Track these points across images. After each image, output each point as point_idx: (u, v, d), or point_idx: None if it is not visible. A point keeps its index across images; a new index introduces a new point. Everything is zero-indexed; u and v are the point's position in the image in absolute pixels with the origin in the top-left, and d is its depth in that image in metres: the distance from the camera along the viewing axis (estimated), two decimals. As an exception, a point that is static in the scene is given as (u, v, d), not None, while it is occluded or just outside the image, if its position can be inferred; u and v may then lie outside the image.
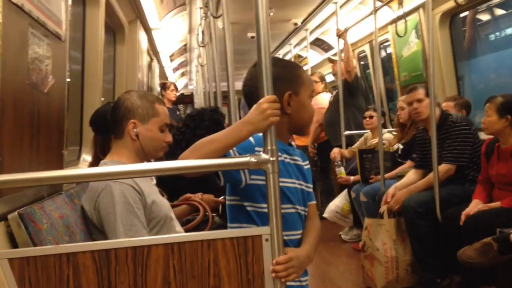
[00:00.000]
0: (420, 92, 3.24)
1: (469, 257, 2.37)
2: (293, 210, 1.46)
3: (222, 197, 2.55)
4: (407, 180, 3.30)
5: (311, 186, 1.56)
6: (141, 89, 4.64)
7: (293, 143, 6.39)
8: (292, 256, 1.27)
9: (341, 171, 4.42)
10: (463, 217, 2.67)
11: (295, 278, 1.30)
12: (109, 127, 1.87)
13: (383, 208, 3.12)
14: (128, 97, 1.79)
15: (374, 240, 3.09)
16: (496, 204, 2.69)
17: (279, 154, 1.39)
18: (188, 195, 2.40)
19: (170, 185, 2.64)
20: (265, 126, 1.24)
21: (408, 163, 3.84)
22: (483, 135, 3.10)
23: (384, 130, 4.43)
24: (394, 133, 4.34)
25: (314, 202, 1.59)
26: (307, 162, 1.61)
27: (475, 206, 2.71)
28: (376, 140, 4.14)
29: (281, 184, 1.34)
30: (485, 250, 2.30)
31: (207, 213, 2.36)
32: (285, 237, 1.37)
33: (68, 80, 2.27)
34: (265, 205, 1.28)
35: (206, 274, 1.23)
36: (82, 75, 2.95)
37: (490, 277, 2.62)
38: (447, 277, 2.97)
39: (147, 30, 4.84)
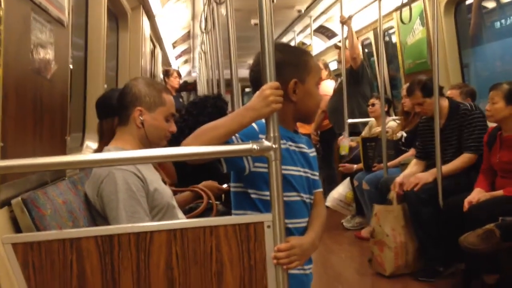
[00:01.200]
0: (418, 96, 3.20)
1: (471, 243, 2.37)
2: (298, 198, 1.46)
3: (226, 184, 2.56)
4: (410, 171, 3.29)
5: (317, 173, 1.55)
6: (144, 76, 4.63)
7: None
8: (294, 244, 1.27)
9: (345, 145, 4.41)
10: (466, 204, 2.66)
11: (298, 266, 1.30)
12: (114, 111, 1.87)
13: (392, 194, 3.12)
14: (136, 84, 1.79)
15: (383, 226, 3.11)
16: (499, 192, 2.68)
17: (284, 141, 1.40)
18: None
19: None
20: (267, 113, 1.23)
21: (412, 151, 3.84)
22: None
23: (389, 118, 4.42)
24: (397, 121, 4.32)
25: (321, 189, 1.57)
26: (313, 149, 1.59)
27: (478, 194, 2.71)
28: (379, 128, 4.13)
29: (285, 171, 1.34)
30: (487, 236, 2.31)
31: (210, 201, 2.37)
32: (290, 225, 1.38)
33: (71, 66, 2.27)
34: (268, 193, 1.28)
35: (208, 260, 1.24)
36: (85, 62, 2.95)
37: (493, 265, 2.62)
38: (451, 266, 2.98)
39: (150, 16, 4.81)
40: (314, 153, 1.59)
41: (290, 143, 1.46)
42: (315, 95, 1.47)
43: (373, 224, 3.21)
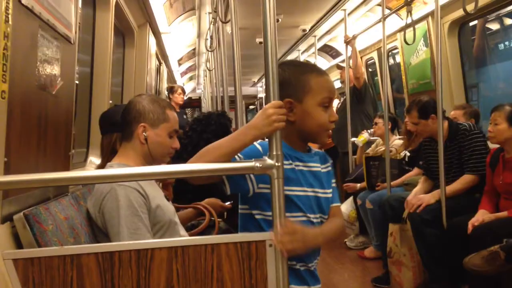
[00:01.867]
0: (414, 115, 3.21)
1: (475, 265, 2.35)
2: (304, 218, 1.41)
3: (229, 202, 2.56)
4: (419, 188, 3.27)
5: (329, 191, 1.48)
6: (149, 92, 4.66)
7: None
8: (297, 228, 1.26)
9: (364, 137, 4.43)
10: (470, 226, 2.65)
11: (295, 251, 1.26)
12: (118, 127, 1.88)
13: (406, 213, 3.10)
14: (140, 101, 1.80)
15: (400, 246, 3.09)
16: (503, 214, 2.66)
17: (290, 161, 1.39)
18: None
19: (177, 188, 2.65)
20: (269, 131, 1.23)
21: (415, 170, 3.83)
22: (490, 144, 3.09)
23: (395, 137, 4.42)
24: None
25: (337, 204, 1.51)
26: (328, 164, 1.52)
27: (482, 216, 2.69)
28: (383, 148, 4.13)
29: (289, 192, 1.34)
30: (492, 258, 2.29)
31: (212, 218, 2.36)
32: None
33: (77, 82, 2.29)
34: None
35: (209, 279, 1.23)
36: (91, 78, 2.97)
37: (496, 287, 2.59)
38: (455, 287, 2.95)
39: (156, 34, 4.87)
40: (329, 168, 1.52)
41: (297, 163, 1.42)
42: (315, 115, 1.39)
43: (389, 243, 3.18)
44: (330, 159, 1.52)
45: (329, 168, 1.51)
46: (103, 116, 2.31)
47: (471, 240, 2.60)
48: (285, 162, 1.30)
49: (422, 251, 3.01)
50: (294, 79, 1.41)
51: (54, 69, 1.74)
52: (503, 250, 2.27)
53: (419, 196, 3.08)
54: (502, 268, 2.29)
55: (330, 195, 1.48)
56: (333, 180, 1.50)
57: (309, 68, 1.46)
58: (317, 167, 1.46)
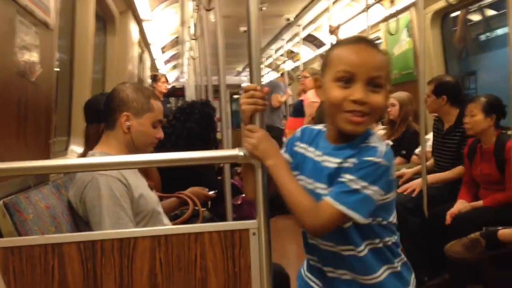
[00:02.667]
0: (429, 89, 3.22)
1: (456, 252, 2.39)
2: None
3: (213, 191, 2.55)
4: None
5: (327, 187, 1.17)
6: (131, 80, 4.61)
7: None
8: (258, 129, 1.19)
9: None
10: (448, 217, 2.70)
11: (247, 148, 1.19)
12: (101, 116, 1.85)
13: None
14: (124, 89, 1.77)
15: None
16: (479, 203, 2.72)
17: (304, 145, 1.26)
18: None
19: (160, 177, 2.63)
20: (243, 118, 1.21)
21: (398, 159, 3.87)
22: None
23: (379, 127, 4.45)
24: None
25: (329, 200, 1.11)
26: (341, 160, 1.16)
27: (460, 205, 2.75)
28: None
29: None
30: (473, 245, 2.33)
31: (196, 207, 2.35)
32: None
33: (57, 69, 2.25)
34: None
35: (192, 267, 1.23)
36: (71, 65, 2.92)
37: (476, 275, 2.65)
38: (435, 276, 3.00)
39: (138, 21, 4.80)
40: (345, 165, 1.15)
41: (312, 149, 1.24)
42: (328, 93, 1.17)
43: None
44: (368, 152, 1.12)
45: (346, 164, 1.15)
46: (88, 104, 2.28)
47: (450, 228, 2.65)
48: (301, 145, 1.27)
49: (404, 239, 3.05)
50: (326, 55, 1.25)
51: (33, 56, 1.70)
52: (483, 238, 2.31)
53: (413, 182, 3.10)
54: (482, 255, 2.33)
55: (325, 191, 1.16)
56: (349, 177, 1.10)
57: (345, 41, 1.26)
58: (328, 161, 1.18)
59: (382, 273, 1.19)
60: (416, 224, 2.99)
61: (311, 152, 1.24)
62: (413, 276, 1.26)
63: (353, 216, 1.08)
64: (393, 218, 1.20)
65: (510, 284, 2.21)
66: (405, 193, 3.03)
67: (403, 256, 1.24)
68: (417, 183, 3.07)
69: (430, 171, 3.25)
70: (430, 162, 3.37)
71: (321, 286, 1.27)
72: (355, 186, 1.09)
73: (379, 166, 1.09)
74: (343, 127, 1.15)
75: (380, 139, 1.17)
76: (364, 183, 1.08)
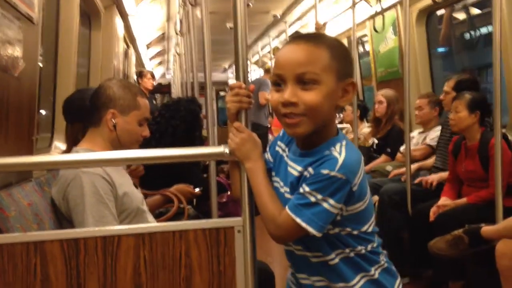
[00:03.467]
0: (450, 85, 3.25)
1: (440, 249, 2.41)
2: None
3: (198, 189, 2.54)
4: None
5: (289, 192, 1.15)
6: (117, 76, 4.56)
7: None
8: (245, 130, 1.16)
9: None
10: (431, 214, 2.74)
11: (230, 146, 1.18)
12: (84, 114, 1.83)
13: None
14: (111, 86, 1.74)
15: None
16: (463, 200, 2.75)
17: (283, 146, 1.24)
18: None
19: (145, 174, 2.61)
20: (228, 116, 1.20)
21: (383, 157, 3.90)
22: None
23: (365, 124, 4.47)
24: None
25: (287, 211, 1.09)
26: (302, 168, 1.13)
27: (442, 202, 2.78)
28: (351, 136, 4.18)
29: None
30: (456, 242, 2.36)
31: (181, 205, 2.34)
32: None
33: (41, 65, 2.21)
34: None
35: (177, 265, 1.22)
36: (55, 60, 2.88)
37: (459, 272, 2.68)
38: (416, 273, 3.02)
39: (124, 16, 4.75)
40: (302, 173, 1.12)
41: (288, 153, 1.22)
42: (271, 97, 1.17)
43: None
44: (324, 164, 1.08)
45: (298, 173, 1.13)
46: (67, 103, 2.23)
47: (434, 225, 2.67)
48: (281, 145, 1.25)
49: (386, 232, 3.07)
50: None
51: (16, 51, 1.68)
52: (466, 235, 2.34)
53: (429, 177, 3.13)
54: (465, 252, 2.36)
55: (290, 197, 1.14)
56: (306, 188, 1.07)
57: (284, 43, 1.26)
58: (295, 167, 1.16)
59: (358, 281, 1.16)
60: (399, 218, 3.03)
61: (285, 154, 1.22)
62: (397, 281, 1.21)
63: (308, 229, 1.06)
64: (368, 227, 1.15)
65: (492, 281, 2.23)
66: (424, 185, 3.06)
67: (382, 262, 1.19)
68: (433, 177, 3.10)
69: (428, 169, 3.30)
70: (431, 160, 3.39)
71: None
72: (311, 199, 1.06)
73: (335, 180, 1.05)
74: (286, 132, 1.15)
75: (349, 145, 1.11)
76: (319, 196, 1.06)
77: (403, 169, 3.21)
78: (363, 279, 1.16)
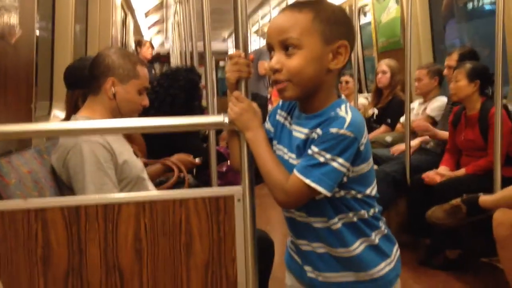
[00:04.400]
0: (453, 58, 3.23)
1: (438, 218, 2.44)
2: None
3: (198, 158, 2.55)
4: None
5: (296, 158, 1.15)
6: (115, 45, 4.51)
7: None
8: (245, 100, 1.16)
9: None
10: (426, 177, 2.77)
11: (230, 115, 1.16)
12: (84, 82, 1.82)
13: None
14: (110, 54, 1.73)
15: None
16: (461, 171, 2.76)
17: (284, 113, 1.24)
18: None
19: (145, 143, 2.62)
20: (228, 85, 1.19)
21: (383, 127, 3.90)
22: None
23: (361, 96, 4.45)
24: (369, 98, 4.37)
25: (298, 174, 1.09)
26: (308, 130, 1.13)
27: (441, 171, 2.80)
28: (351, 106, 4.16)
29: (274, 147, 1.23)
30: (454, 211, 2.38)
31: (182, 174, 2.35)
32: None
33: (38, 33, 2.19)
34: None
35: (177, 232, 1.23)
36: (53, 28, 2.85)
37: (455, 241, 2.72)
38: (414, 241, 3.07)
39: (122, -17, 4.67)
40: (308, 135, 1.12)
41: (290, 120, 1.22)
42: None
43: None
44: (333, 123, 1.07)
45: (305, 136, 1.13)
46: (67, 71, 2.22)
47: (433, 196, 2.70)
48: (281, 113, 1.24)
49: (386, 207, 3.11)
50: None
51: (12, 17, 1.65)
52: (464, 204, 2.36)
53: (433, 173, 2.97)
54: (462, 221, 2.39)
55: (295, 162, 1.15)
56: (314, 149, 1.07)
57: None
58: (300, 131, 1.16)
59: (358, 246, 1.17)
60: (390, 194, 3.05)
61: (287, 121, 1.22)
62: (395, 247, 1.23)
63: (319, 189, 1.06)
64: (370, 190, 1.17)
65: (488, 249, 2.27)
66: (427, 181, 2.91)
67: (383, 228, 1.20)
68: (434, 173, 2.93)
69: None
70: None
71: (300, 261, 1.26)
72: (320, 159, 1.06)
73: (344, 138, 1.06)
74: (279, 97, 1.16)
75: (352, 108, 1.12)
76: (328, 155, 1.06)
77: (402, 146, 3.20)
78: (363, 244, 1.18)
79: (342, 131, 1.06)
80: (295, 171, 1.10)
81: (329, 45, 1.09)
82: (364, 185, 1.16)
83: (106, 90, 1.71)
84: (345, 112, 1.09)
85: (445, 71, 3.32)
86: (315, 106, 1.14)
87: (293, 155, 1.16)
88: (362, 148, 1.09)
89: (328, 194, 1.08)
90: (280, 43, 1.09)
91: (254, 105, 1.18)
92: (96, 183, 1.58)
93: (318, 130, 1.09)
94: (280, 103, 1.28)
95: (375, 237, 1.19)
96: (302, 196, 1.10)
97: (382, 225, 1.22)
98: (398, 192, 3.05)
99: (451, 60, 3.22)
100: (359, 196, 1.15)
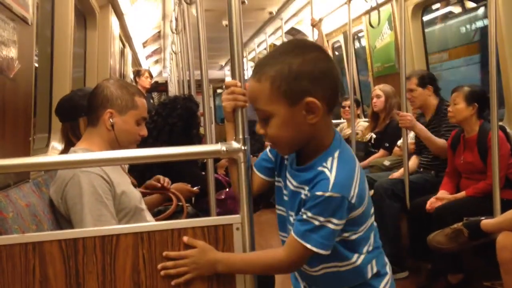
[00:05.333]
0: (413, 82, 3.29)
1: (439, 242, 2.42)
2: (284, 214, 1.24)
3: (196, 187, 2.54)
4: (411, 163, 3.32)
5: (288, 196, 1.19)
6: (113, 76, 4.55)
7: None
8: (187, 253, 1.19)
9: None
10: (428, 206, 2.75)
11: (187, 279, 1.19)
12: (73, 114, 1.81)
13: None
14: (108, 86, 1.75)
15: None
16: (461, 194, 2.76)
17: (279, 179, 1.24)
18: (157, 177, 2.35)
19: (142, 173, 2.61)
20: (225, 114, 1.22)
21: (381, 152, 3.91)
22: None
23: (359, 120, 4.47)
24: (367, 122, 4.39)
25: (295, 238, 1.11)
26: (297, 184, 1.16)
27: (440, 195, 2.79)
28: (349, 131, 4.18)
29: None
30: (456, 235, 2.37)
31: (180, 203, 2.34)
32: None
33: (36, 65, 2.21)
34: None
35: (176, 263, 1.22)
36: (51, 61, 2.88)
37: (457, 265, 2.69)
38: (404, 268, 3.02)
39: (119, 15, 4.74)
40: (301, 191, 1.14)
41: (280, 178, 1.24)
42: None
43: None
44: (318, 185, 1.09)
45: (301, 191, 1.14)
46: (59, 102, 2.23)
47: (433, 219, 2.68)
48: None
49: (380, 224, 3.08)
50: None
51: (11, 52, 1.67)
52: (466, 228, 2.35)
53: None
54: (464, 246, 2.37)
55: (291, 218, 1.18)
56: (308, 214, 1.09)
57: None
58: (290, 182, 1.18)
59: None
60: (395, 210, 3.04)
61: (286, 158, 1.23)
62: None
63: (320, 252, 1.10)
64: (363, 228, 1.16)
65: (490, 273, 2.24)
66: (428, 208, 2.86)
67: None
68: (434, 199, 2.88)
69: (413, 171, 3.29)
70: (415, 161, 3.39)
71: None
72: (315, 222, 1.08)
73: (331, 200, 1.06)
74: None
75: (342, 156, 1.11)
76: (322, 218, 1.07)
77: (401, 171, 3.20)
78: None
79: (328, 194, 1.07)
80: (294, 236, 1.11)
81: (296, 105, 1.08)
82: (359, 224, 1.16)
83: (105, 121, 1.72)
84: (330, 169, 1.10)
85: (407, 95, 3.27)
86: (309, 155, 1.16)
87: (287, 193, 1.20)
88: (353, 200, 1.09)
89: (327, 253, 1.11)
90: (257, 111, 1.13)
91: (202, 243, 1.20)
92: (94, 215, 1.57)
93: (306, 191, 1.12)
94: None
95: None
96: (304, 258, 1.14)
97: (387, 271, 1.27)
98: (402, 206, 3.04)
99: (411, 84, 3.29)
100: (353, 237, 1.16)
